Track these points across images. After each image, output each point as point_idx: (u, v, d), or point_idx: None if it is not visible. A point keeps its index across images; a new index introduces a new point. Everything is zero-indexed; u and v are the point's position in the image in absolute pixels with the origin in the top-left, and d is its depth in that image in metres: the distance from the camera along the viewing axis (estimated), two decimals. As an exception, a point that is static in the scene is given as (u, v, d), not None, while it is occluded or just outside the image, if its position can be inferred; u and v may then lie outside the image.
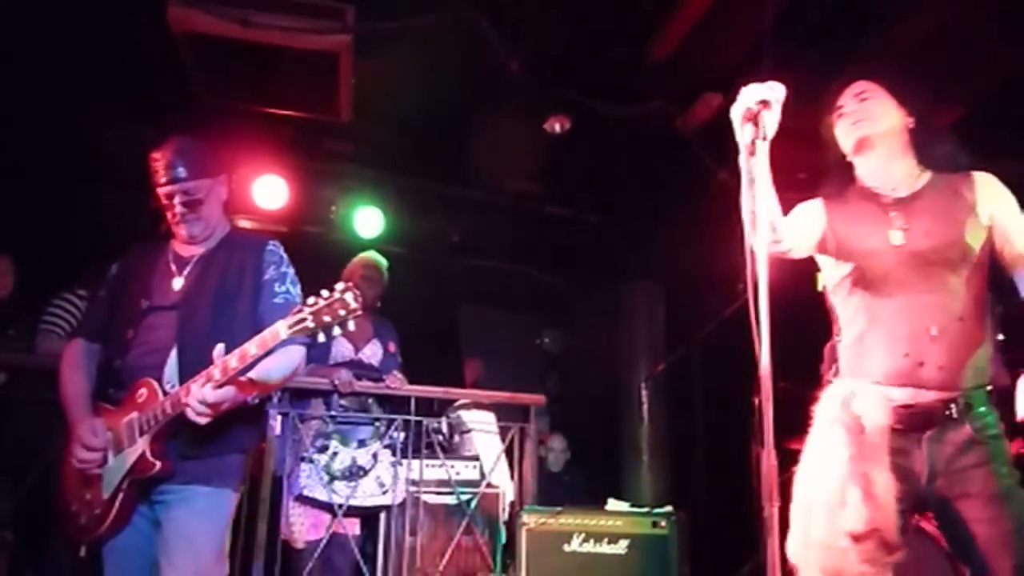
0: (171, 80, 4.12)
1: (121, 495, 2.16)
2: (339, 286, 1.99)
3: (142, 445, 2.14)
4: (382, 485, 4.03)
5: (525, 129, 4.83)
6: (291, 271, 2.41)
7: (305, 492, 3.85)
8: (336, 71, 3.79)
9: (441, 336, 6.55)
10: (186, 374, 2.16)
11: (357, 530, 4.11)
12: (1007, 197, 1.99)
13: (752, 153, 1.75)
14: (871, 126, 2.00)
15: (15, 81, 4.29)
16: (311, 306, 1.99)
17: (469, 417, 4.71)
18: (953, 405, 1.84)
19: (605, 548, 3.80)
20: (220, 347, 2.10)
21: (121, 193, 4.98)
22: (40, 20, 4.03)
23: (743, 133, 1.76)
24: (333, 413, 4.05)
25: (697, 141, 4.40)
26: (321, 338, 2.05)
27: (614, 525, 3.83)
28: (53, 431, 3.45)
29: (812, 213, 2.08)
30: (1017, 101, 3.98)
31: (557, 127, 4.64)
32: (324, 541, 3.83)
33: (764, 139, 1.72)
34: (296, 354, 2.30)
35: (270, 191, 5.13)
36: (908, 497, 1.83)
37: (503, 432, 4.43)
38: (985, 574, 1.76)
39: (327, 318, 1.97)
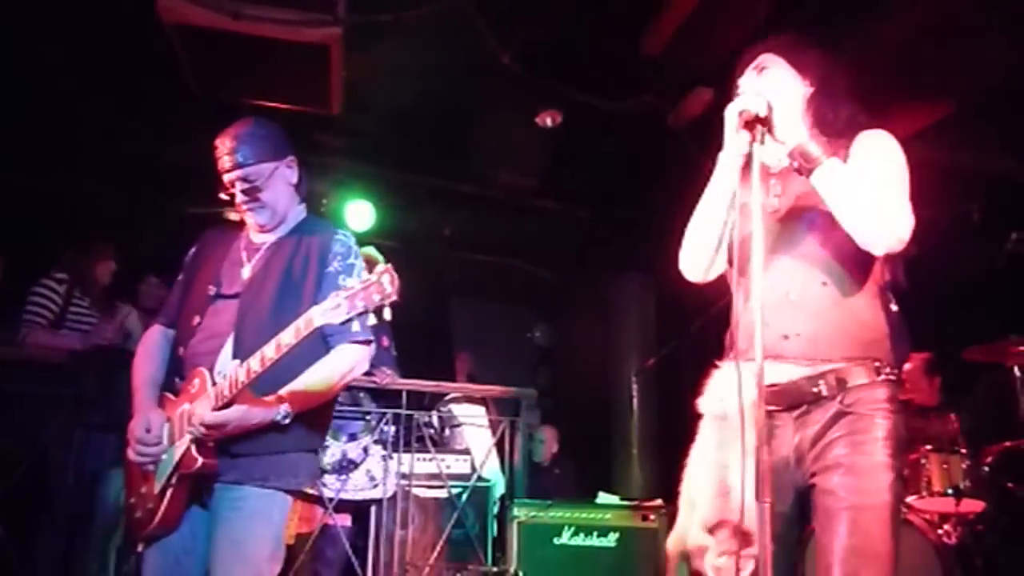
0: (159, 71, 4.10)
1: (170, 491, 2.05)
2: (378, 268, 1.86)
3: (189, 439, 2.03)
4: (372, 479, 4.03)
5: (517, 123, 4.83)
6: (359, 263, 2.26)
7: (295, 486, 3.85)
8: (327, 63, 3.77)
9: (433, 330, 6.54)
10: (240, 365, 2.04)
11: (348, 524, 4.11)
12: (877, 148, 1.77)
13: (749, 154, 1.69)
14: (782, 94, 1.81)
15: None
16: (347, 290, 1.87)
17: (460, 411, 4.73)
18: (822, 381, 1.69)
19: (595, 541, 3.82)
20: (235, 364, 2.01)
21: (105, 185, 4.96)
22: (26, 8, 4.00)
23: (737, 134, 1.71)
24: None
25: (688, 135, 4.40)
26: (355, 328, 1.96)
27: (604, 518, 3.85)
28: (42, 424, 3.48)
29: None
30: (1004, 99, 3.99)
31: (549, 121, 4.64)
32: (314, 535, 3.83)
33: (761, 142, 1.68)
34: (350, 355, 2.17)
35: (260, 184, 5.09)
36: (776, 484, 1.67)
37: (494, 426, 4.44)
38: (851, 555, 1.61)
39: (362, 304, 1.84)
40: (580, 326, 6.75)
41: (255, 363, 1.96)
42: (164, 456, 2.09)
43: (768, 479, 1.50)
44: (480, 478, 4.28)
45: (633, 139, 4.94)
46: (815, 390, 1.69)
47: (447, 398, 4.71)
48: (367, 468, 4.04)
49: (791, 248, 1.76)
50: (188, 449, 2.02)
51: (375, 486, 4.03)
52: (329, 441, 3.98)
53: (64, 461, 3.52)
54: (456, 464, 4.33)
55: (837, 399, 1.69)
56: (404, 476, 4.10)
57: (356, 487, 3.99)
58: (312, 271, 2.20)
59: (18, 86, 4.43)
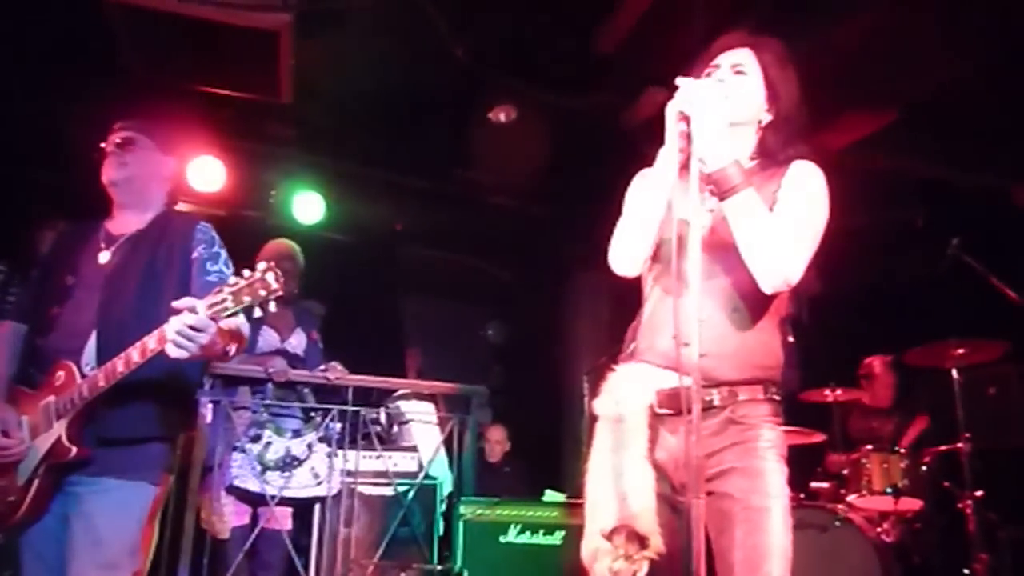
0: (99, 53, 3.96)
1: (37, 481, 2.07)
2: (260, 265, 1.90)
3: (58, 430, 2.06)
4: (316, 476, 3.95)
5: (471, 117, 4.79)
6: (224, 252, 2.31)
7: (237, 483, 3.75)
8: (275, 50, 3.68)
9: (384, 326, 6.46)
10: (105, 357, 2.07)
11: (289, 523, 4.03)
12: (801, 189, 1.77)
13: (686, 154, 1.68)
14: (735, 111, 1.79)
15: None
16: (231, 286, 1.91)
17: (408, 407, 4.67)
18: (715, 391, 1.72)
19: (541, 539, 3.79)
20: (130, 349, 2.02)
21: (44, 171, 4.78)
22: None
23: (674, 130, 1.69)
24: (268, 402, 3.96)
25: (642, 136, 4.41)
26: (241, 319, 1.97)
27: (551, 516, 3.83)
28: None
29: None
30: (947, 106, 4.09)
31: (502, 117, 4.60)
32: (254, 535, 3.74)
33: (691, 141, 1.66)
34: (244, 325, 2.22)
35: (206, 173, 4.97)
36: (669, 486, 1.73)
37: (443, 423, 4.39)
38: (753, 553, 1.65)
39: (247, 298, 1.88)
40: (533, 324, 6.74)
41: (152, 342, 1.97)
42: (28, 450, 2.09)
43: (702, 476, 1.50)
44: (427, 476, 4.23)
45: (588, 138, 4.94)
46: (707, 399, 1.72)
47: (395, 394, 4.65)
48: (311, 465, 3.95)
49: (710, 266, 1.75)
50: (59, 439, 2.05)
51: (319, 483, 3.95)
52: (273, 437, 3.90)
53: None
54: (403, 461, 4.27)
55: (727, 409, 1.73)
56: (349, 473, 4.03)
57: (300, 484, 3.90)
58: (176, 261, 2.24)
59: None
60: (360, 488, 4.06)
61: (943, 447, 4.20)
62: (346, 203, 5.48)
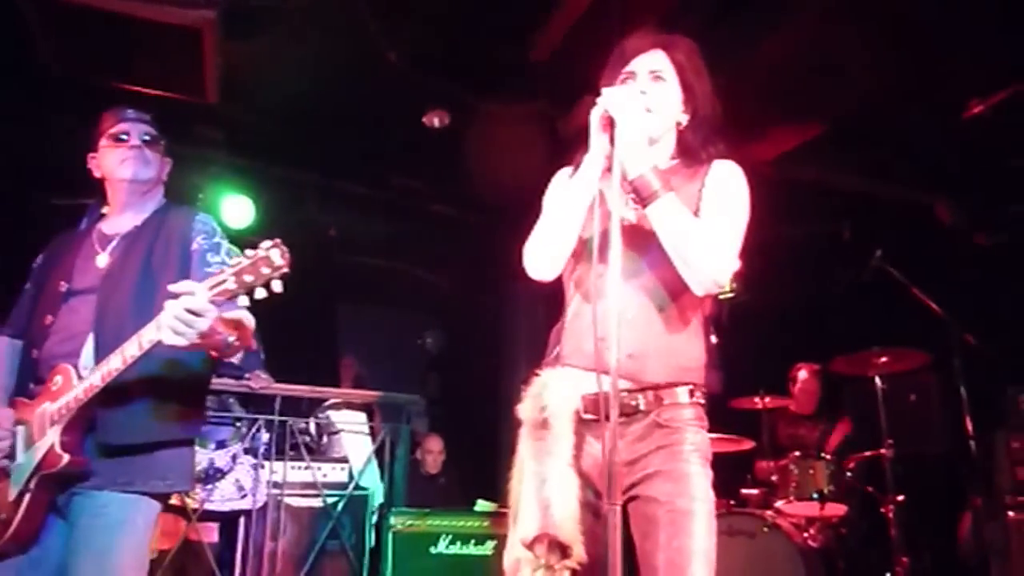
0: (14, 48, 3.78)
1: (28, 496, 1.90)
2: (264, 243, 1.77)
3: (52, 437, 1.89)
4: (241, 488, 3.84)
5: (407, 123, 4.73)
6: (225, 243, 2.17)
7: (155, 496, 3.61)
8: (199, 48, 3.57)
9: (317, 334, 6.33)
10: (103, 358, 1.91)
11: (215, 536, 3.90)
12: (724, 189, 1.80)
13: (609, 159, 1.68)
14: (658, 120, 1.80)
15: None
16: (233, 266, 1.76)
17: (339, 417, 4.58)
18: (641, 396, 1.72)
19: (472, 549, 3.76)
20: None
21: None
22: None
23: (598, 136, 1.70)
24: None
25: (578, 144, 4.42)
26: (244, 301, 1.80)
27: (481, 526, 3.80)
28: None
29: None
30: (871, 120, 4.21)
31: (436, 121, 4.55)
32: (175, 547, 3.61)
33: (613, 145, 1.66)
34: (249, 316, 2.06)
35: (129, 174, 4.79)
36: (594, 493, 1.71)
37: (375, 433, 4.32)
38: (678, 555, 1.64)
39: (249, 278, 1.73)
40: (471, 333, 6.69)
41: (148, 332, 1.83)
42: (21, 459, 1.95)
43: (620, 482, 1.48)
44: (358, 487, 4.15)
45: (525, 145, 4.93)
46: (633, 403, 1.72)
47: (326, 404, 4.56)
48: (235, 477, 3.85)
49: (636, 267, 1.76)
50: (52, 447, 1.88)
51: (243, 496, 3.84)
52: (196, 449, 3.77)
53: None
54: (333, 472, 4.18)
55: (653, 413, 1.73)
56: (276, 485, 3.93)
57: (223, 497, 3.79)
58: (174, 253, 2.10)
59: None
60: (288, 500, 3.96)
61: (867, 453, 4.29)
62: (277, 208, 5.35)
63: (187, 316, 1.74)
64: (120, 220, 2.21)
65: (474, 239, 6.06)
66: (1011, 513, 3.28)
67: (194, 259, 2.10)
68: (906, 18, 3.53)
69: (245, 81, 4.29)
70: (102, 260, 2.11)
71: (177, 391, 2.04)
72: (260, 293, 1.76)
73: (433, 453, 5.97)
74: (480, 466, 6.17)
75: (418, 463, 5.87)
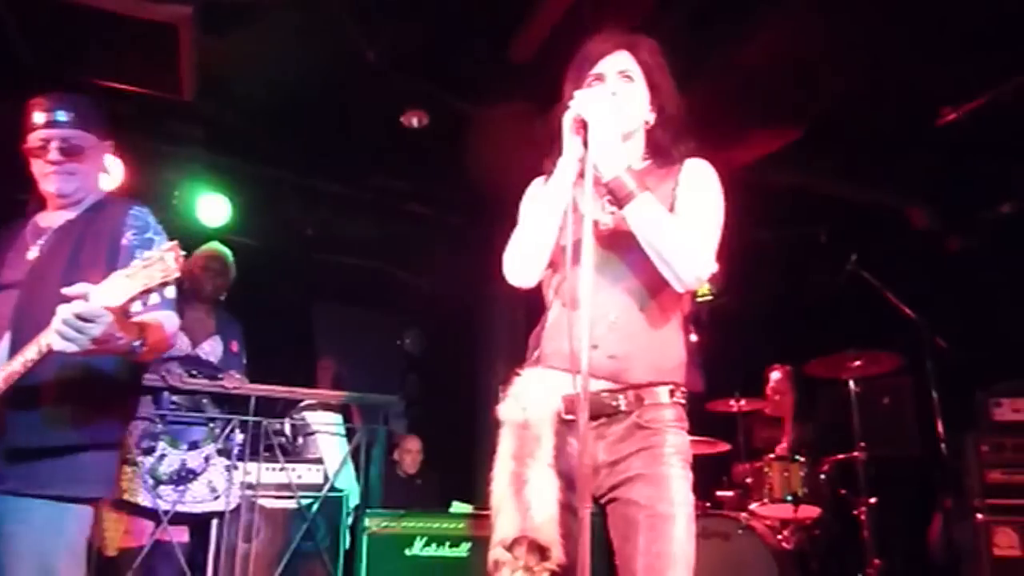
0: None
1: None
2: (164, 244, 1.76)
3: None
4: (214, 490, 3.79)
5: (386, 122, 4.71)
6: (160, 238, 2.09)
7: (125, 497, 3.56)
8: (175, 45, 3.53)
9: (294, 335, 6.29)
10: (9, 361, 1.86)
11: (186, 538, 3.85)
12: (697, 187, 1.82)
13: (583, 162, 1.67)
14: (628, 120, 1.81)
15: None
16: (127, 269, 1.75)
17: (315, 418, 4.53)
18: (622, 396, 1.73)
19: (447, 551, 3.74)
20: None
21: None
22: None
23: (571, 140, 1.70)
24: (163, 412, 3.78)
25: (551, 149, 4.42)
26: (138, 307, 1.78)
27: (457, 528, 3.78)
28: None
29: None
30: (849, 125, 4.25)
31: (415, 121, 4.54)
32: (146, 550, 3.55)
33: (586, 147, 1.66)
34: (169, 318, 2.01)
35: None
36: (574, 495, 1.68)
37: (351, 434, 4.29)
38: (657, 560, 1.64)
39: (143, 281, 1.73)
40: (450, 333, 6.68)
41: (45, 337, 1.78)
42: None
43: (589, 485, 1.50)
44: (334, 488, 4.11)
45: (504, 146, 4.93)
46: (615, 404, 1.73)
47: (301, 405, 4.51)
48: (208, 478, 3.79)
49: (616, 268, 1.78)
50: None
51: (216, 498, 3.79)
52: (168, 450, 3.73)
53: None
54: (308, 474, 4.14)
55: (634, 414, 1.74)
56: (250, 486, 3.89)
57: (195, 499, 3.73)
58: (103, 248, 2.04)
59: None
60: (261, 502, 3.91)
61: (840, 455, 4.33)
62: (254, 206, 5.31)
63: (76, 322, 1.69)
64: (55, 214, 2.16)
65: (454, 240, 6.05)
66: (979, 515, 3.32)
67: (122, 255, 2.03)
68: (881, 25, 3.57)
69: (223, 78, 4.25)
70: (32, 254, 2.06)
71: (91, 394, 1.96)
72: (152, 299, 1.77)
73: (411, 453, 5.96)
74: (458, 467, 6.15)
75: (395, 464, 5.85)
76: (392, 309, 7.01)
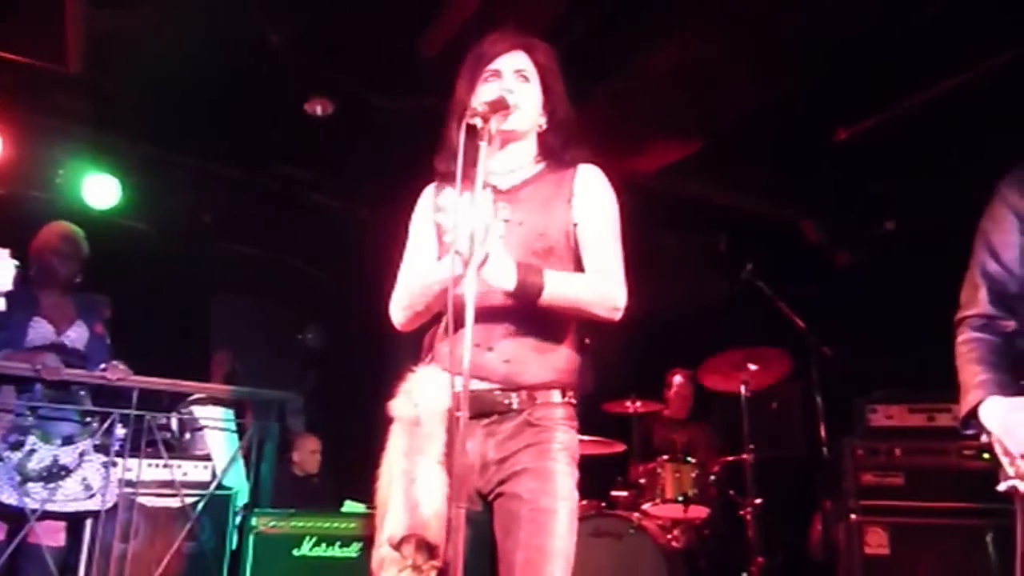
0: None
1: None
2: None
3: None
4: (88, 488, 3.58)
5: (290, 109, 4.56)
6: None
7: (-13, 495, 3.32)
8: (60, 13, 3.31)
9: (187, 326, 6.02)
10: None
11: (62, 540, 3.62)
12: (600, 200, 1.86)
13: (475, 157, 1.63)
14: (518, 119, 1.81)
15: None
16: None
17: (203, 413, 4.36)
18: (514, 395, 1.76)
19: (337, 551, 3.66)
20: None
21: None
22: None
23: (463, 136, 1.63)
24: (35, 404, 3.54)
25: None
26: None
27: (348, 528, 3.70)
28: None
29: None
30: (747, 136, 4.38)
31: (319, 109, 4.42)
32: (9, 551, 3.32)
33: (487, 142, 1.63)
34: None
35: (-20, 143, 4.40)
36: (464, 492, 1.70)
37: (243, 431, 4.14)
38: (536, 554, 1.65)
39: None
40: (352, 330, 6.54)
41: None
42: None
43: (466, 483, 1.50)
44: (221, 486, 3.96)
45: (411, 140, 4.86)
46: (507, 402, 1.76)
47: (190, 399, 4.33)
48: (82, 475, 3.58)
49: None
50: None
51: (91, 496, 3.58)
52: (38, 444, 3.50)
53: None
54: (194, 471, 3.97)
55: (526, 412, 1.77)
56: (130, 484, 3.69)
57: (67, 497, 3.52)
58: None
59: None
60: (142, 500, 3.73)
61: (730, 457, 4.47)
62: (147, 190, 5.06)
63: None
64: None
65: (358, 232, 5.92)
66: (853, 515, 3.48)
67: None
68: (781, 42, 3.70)
69: (115, 53, 4.03)
70: None
71: None
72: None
73: (308, 453, 5.80)
74: (356, 467, 6.02)
75: (289, 463, 5.68)
76: (293, 302, 6.81)
